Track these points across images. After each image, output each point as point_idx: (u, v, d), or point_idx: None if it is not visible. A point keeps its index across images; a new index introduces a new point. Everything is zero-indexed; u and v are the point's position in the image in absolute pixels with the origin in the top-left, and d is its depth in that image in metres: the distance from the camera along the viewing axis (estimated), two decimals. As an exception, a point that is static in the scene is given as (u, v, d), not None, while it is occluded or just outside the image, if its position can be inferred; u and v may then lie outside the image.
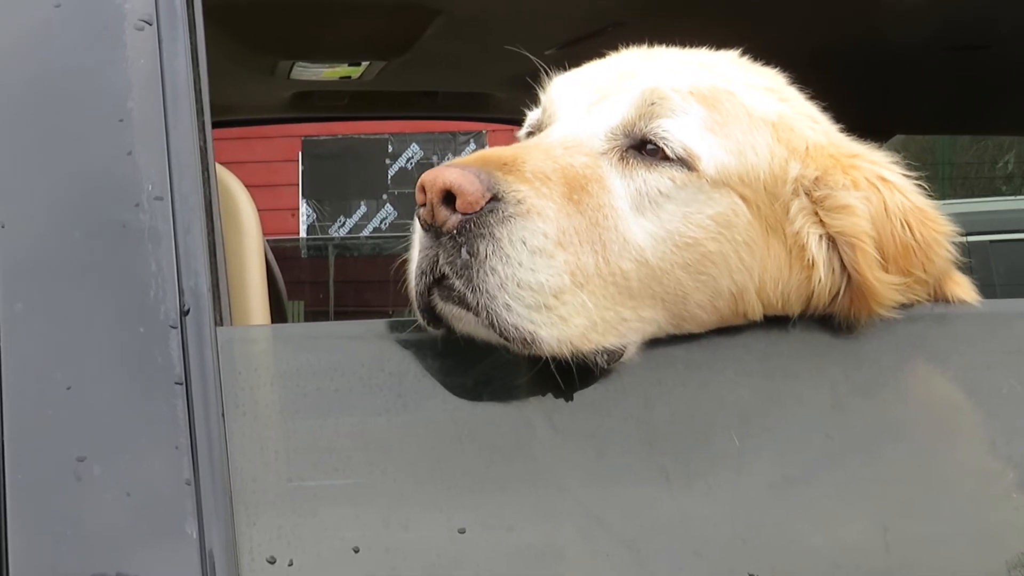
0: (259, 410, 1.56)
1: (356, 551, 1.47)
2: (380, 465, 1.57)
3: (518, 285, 1.57)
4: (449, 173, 1.59)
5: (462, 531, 1.51)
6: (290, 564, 1.45)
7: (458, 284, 1.59)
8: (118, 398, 1.48)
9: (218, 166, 1.86)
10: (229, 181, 2.45)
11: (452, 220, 1.59)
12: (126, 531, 1.43)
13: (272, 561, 1.45)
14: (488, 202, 1.59)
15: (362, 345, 1.68)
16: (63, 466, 1.43)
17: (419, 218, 1.63)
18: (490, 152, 1.71)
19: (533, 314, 1.57)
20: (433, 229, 1.61)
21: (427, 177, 1.61)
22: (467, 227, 1.58)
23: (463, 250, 1.58)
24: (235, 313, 2.01)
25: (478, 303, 1.58)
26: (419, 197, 1.62)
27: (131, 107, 1.60)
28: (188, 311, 1.52)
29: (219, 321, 1.56)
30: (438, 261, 1.61)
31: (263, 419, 1.56)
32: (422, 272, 1.64)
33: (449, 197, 1.59)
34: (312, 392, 1.59)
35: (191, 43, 1.66)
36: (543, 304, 1.58)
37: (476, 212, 1.58)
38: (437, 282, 1.62)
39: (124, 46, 1.63)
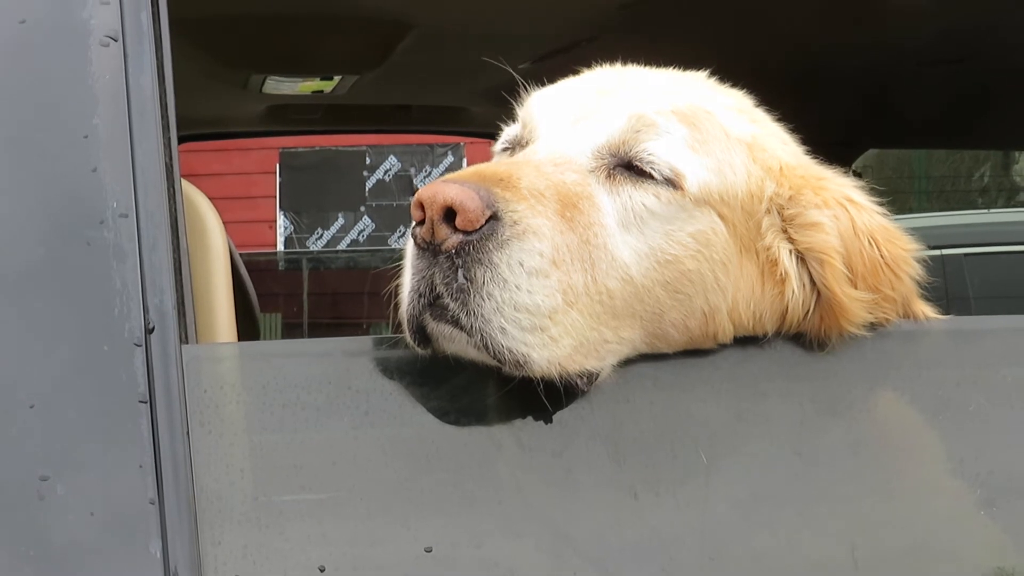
0: (224, 428, 1.55)
1: (322, 570, 1.46)
2: (347, 483, 1.56)
3: (515, 308, 1.56)
4: (449, 189, 1.57)
5: (429, 549, 1.50)
6: (255, 583, 1.45)
7: (453, 306, 1.58)
8: (82, 417, 1.47)
9: (185, 182, 1.85)
10: (195, 198, 2.43)
11: (452, 240, 1.56)
12: (89, 551, 1.42)
13: (237, 580, 1.44)
14: (487, 220, 1.57)
15: (329, 363, 1.67)
16: (26, 485, 1.42)
17: (415, 236, 1.61)
18: (485, 168, 1.71)
19: (527, 336, 1.57)
20: (431, 248, 1.59)
21: (425, 193, 1.58)
22: (465, 249, 1.56)
23: (460, 273, 1.56)
24: (201, 330, 2.00)
25: (472, 325, 1.57)
26: (416, 214, 1.59)
27: (96, 123, 1.59)
28: (153, 329, 1.51)
29: (184, 339, 1.55)
30: (434, 282, 1.59)
31: (228, 437, 1.55)
32: (419, 294, 1.61)
33: (449, 214, 1.56)
34: (278, 410, 1.58)
35: (157, 59, 1.65)
36: (538, 326, 1.57)
37: (475, 230, 1.56)
38: (430, 303, 1.60)
39: (89, 62, 1.62)
